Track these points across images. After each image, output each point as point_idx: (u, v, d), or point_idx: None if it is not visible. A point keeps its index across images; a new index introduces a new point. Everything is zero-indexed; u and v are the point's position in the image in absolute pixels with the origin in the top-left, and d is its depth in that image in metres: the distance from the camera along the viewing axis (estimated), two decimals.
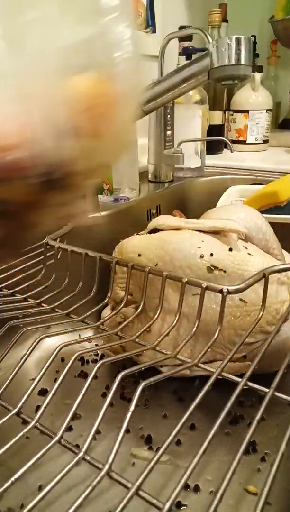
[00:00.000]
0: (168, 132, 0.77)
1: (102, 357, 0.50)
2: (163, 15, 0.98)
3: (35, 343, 0.34)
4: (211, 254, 0.44)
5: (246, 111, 1.07)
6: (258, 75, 1.05)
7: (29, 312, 0.41)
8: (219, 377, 0.32)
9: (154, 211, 0.72)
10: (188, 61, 0.51)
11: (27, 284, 0.46)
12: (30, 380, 0.46)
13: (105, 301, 0.45)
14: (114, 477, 0.23)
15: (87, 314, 0.42)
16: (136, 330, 0.41)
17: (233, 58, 0.44)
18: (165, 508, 0.21)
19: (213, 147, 1.02)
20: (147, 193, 0.72)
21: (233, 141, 1.10)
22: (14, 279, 0.46)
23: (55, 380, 0.30)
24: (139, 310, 0.42)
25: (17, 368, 0.32)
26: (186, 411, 0.27)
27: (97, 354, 0.50)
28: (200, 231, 0.48)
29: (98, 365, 0.30)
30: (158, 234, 0.49)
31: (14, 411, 0.29)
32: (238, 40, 0.44)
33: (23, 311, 0.41)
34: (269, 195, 0.65)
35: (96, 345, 0.51)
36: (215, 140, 0.90)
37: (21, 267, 0.47)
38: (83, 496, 0.22)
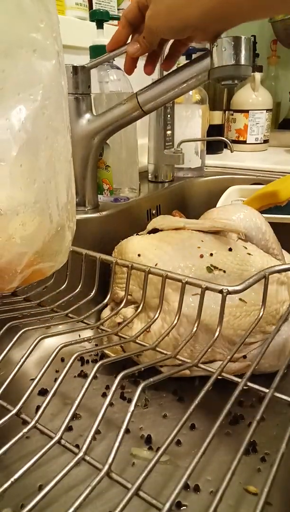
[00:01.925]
0: (168, 132, 0.77)
1: (102, 357, 0.49)
2: None
3: (35, 343, 0.34)
4: (211, 254, 0.44)
5: (246, 111, 1.07)
6: (258, 75, 1.05)
7: (29, 312, 0.41)
8: (219, 377, 0.32)
9: (154, 211, 0.72)
10: (188, 61, 0.51)
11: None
12: (30, 380, 0.46)
13: (105, 301, 0.45)
14: (114, 477, 0.23)
15: (87, 314, 0.42)
16: (136, 330, 0.41)
17: (233, 58, 0.44)
18: (165, 508, 0.21)
19: (213, 147, 1.02)
20: (147, 193, 0.72)
21: (233, 141, 1.10)
22: None
23: (55, 380, 0.30)
24: (139, 310, 0.42)
25: (17, 368, 0.32)
26: (186, 411, 0.27)
27: (97, 354, 0.50)
28: (199, 231, 0.48)
29: (98, 365, 0.30)
30: (157, 234, 0.49)
31: (14, 411, 0.29)
32: (238, 40, 0.44)
33: (23, 311, 0.41)
34: (269, 195, 0.65)
35: (96, 345, 0.51)
36: (215, 140, 0.90)
37: None
38: (83, 496, 0.22)
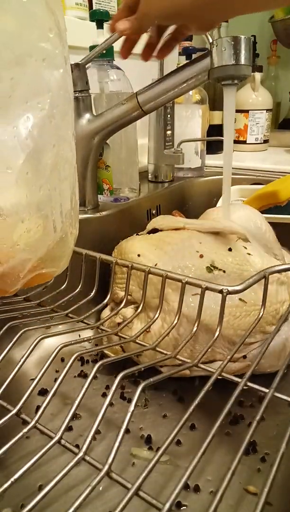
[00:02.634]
0: (168, 132, 0.77)
1: (102, 357, 0.49)
2: None
3: (35, 343, 0.34)
4: (211, 254, 0.44)
5: (246, 111, 1.07)
6: (258, 75, 1.05)
7: (29, 312, 0.41)
8: (219, 377, 0.32)
9: (154, 211, 0.72)
10: (188, 61, 0.51)
11: None
12: (30, 380, 0.46)
13: (105, 301, 0.45)
14: (114, 477, 0.23)
15: (87, 314, 0.42)
16: (136, 331, 0.41)
17: (233, 57, 0.44)
18: (165, 509, 0.21)
19: (213, 147, 1.02)
20: (147, 193, 0.72)
21: (233, 141, 1.09)
22: None
23: (55, 380, 0.30)
24: (139, 310, 0.42)
25: (17, 368, 0.32)
26: (186, 411, 0.27)
27: (97, 354, 0.50)
28: (199, 231, 0.48)
29: (98, 365, 0.30)
30: (157, 234, 0.49)
31: (14, 411, 0.29)
32: (238, 40, 0.44)
33: (23, 311, 0.41)
34: (269, 195, 0.65)
35: (96, 345, 0.51)
36: (215, 140, 0.90)
37: None
38: (83, 496, 0.22)
